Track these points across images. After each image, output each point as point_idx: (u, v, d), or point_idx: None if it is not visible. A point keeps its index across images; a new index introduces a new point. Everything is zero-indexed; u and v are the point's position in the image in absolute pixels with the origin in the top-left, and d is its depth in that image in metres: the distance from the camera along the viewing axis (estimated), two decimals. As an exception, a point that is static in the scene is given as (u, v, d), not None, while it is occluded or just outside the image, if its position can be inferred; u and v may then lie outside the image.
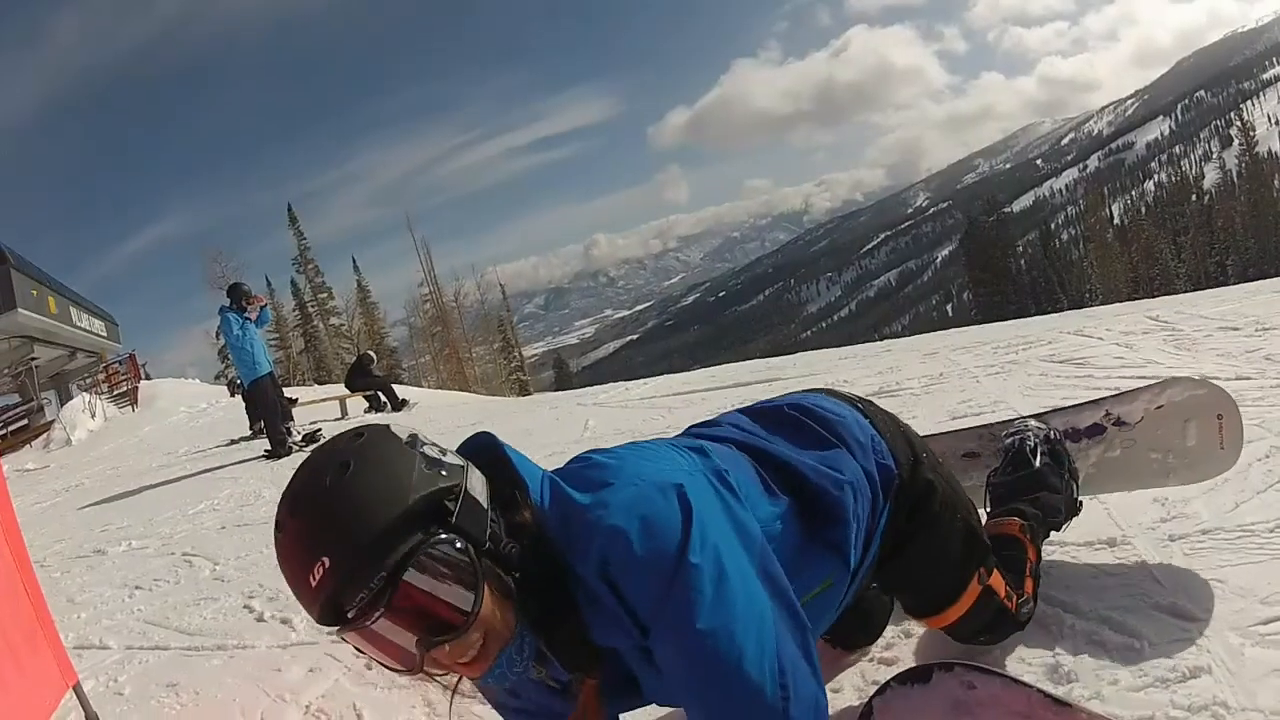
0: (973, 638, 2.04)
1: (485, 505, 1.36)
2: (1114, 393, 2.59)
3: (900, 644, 2.30)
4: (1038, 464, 2.33)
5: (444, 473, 1.33)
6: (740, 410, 1.97)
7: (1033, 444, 2.37)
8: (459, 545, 1.29)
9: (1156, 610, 2.10)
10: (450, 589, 1.28)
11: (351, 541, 1.24)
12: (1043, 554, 2.19)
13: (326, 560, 1.24)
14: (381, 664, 1.35)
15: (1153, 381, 2.48)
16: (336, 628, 1.30)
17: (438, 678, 1.42)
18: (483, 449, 1.50)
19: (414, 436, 1.37)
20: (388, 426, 1.39)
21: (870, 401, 2.03)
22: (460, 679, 1.48)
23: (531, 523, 1.41)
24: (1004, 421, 2.62)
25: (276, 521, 1.31)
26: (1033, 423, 2.47)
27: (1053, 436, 2.42)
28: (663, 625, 1.36)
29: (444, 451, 1.38)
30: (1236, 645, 1.91)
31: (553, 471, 1.54)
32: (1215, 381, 2.41)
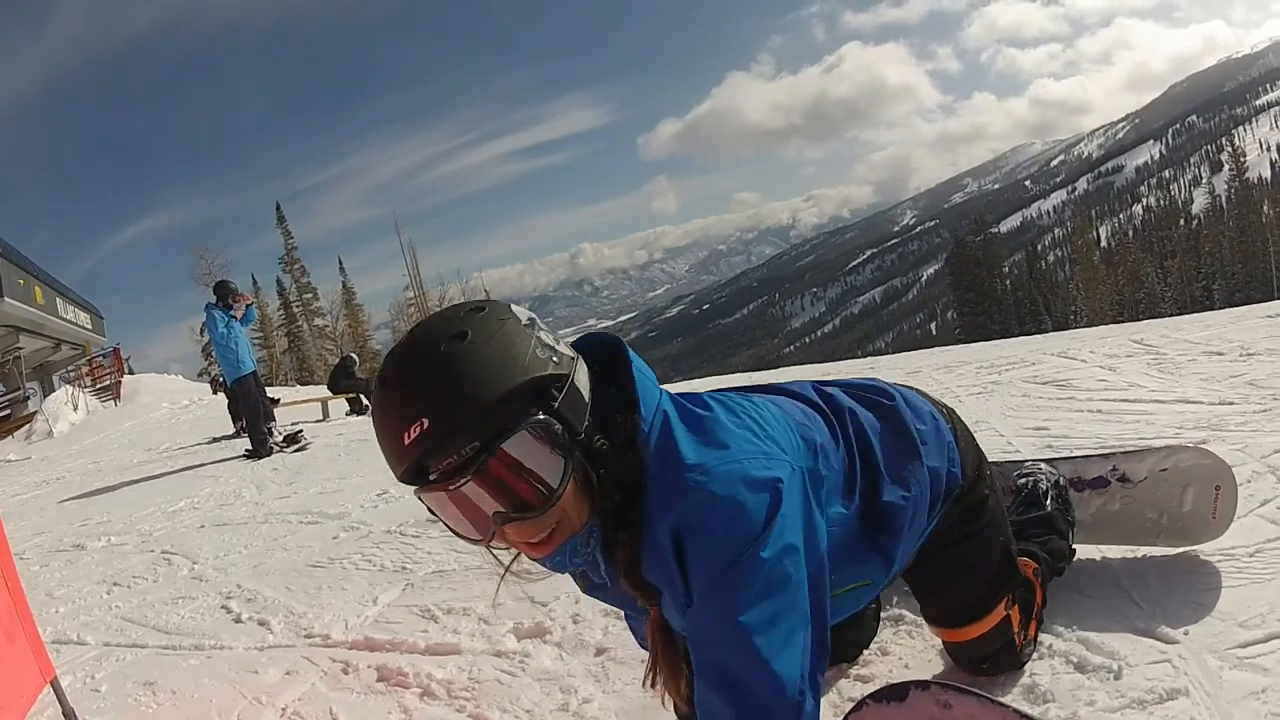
0: (975, 663, 2.05)
1: (586, 400, 1.40)
2: (1124, 450, 2.62)
3: (876, 661, 2.29)
4: (1049, 507, 2.35)
5: (555, 360, 1.37)
6: (860, 383, 1.98)
7: (1044, 487, 2.38)
8: (556, 429, 1.33)
9: (1135, 633, 2.10)
10: (537, 470, 1.32)
11: (453, 408, 1.28)
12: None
13: (425, 421, 1.27)
14: (451, 528, 1.41)
15: (1161, 445, 2.54)
16: (415, 486, 1.35)
17: (497, 551, 1.52)
18: (604, 349, 1.54)
19: (532, 319, 1.41)
20: (509, 305, 1.43)
21: (953, 410, 2.06)
22: (518, 556, 1.58)
23: (629, 436, 1.45)
24: (1014, 462, 2.64)
25: (381, 377, 1.35)
26: (1044, 466, 2.49)
27: (1061, 483, 2.43)
28: (710, 601, 1.40)
29: (558, 340, 1.42)
30: (1215, 668, 1.91)
31: (674, 397, 1.56)
32: (1220, 455, 2.42)
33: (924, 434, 1.86)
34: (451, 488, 1.31)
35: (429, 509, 1.39)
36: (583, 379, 1.41)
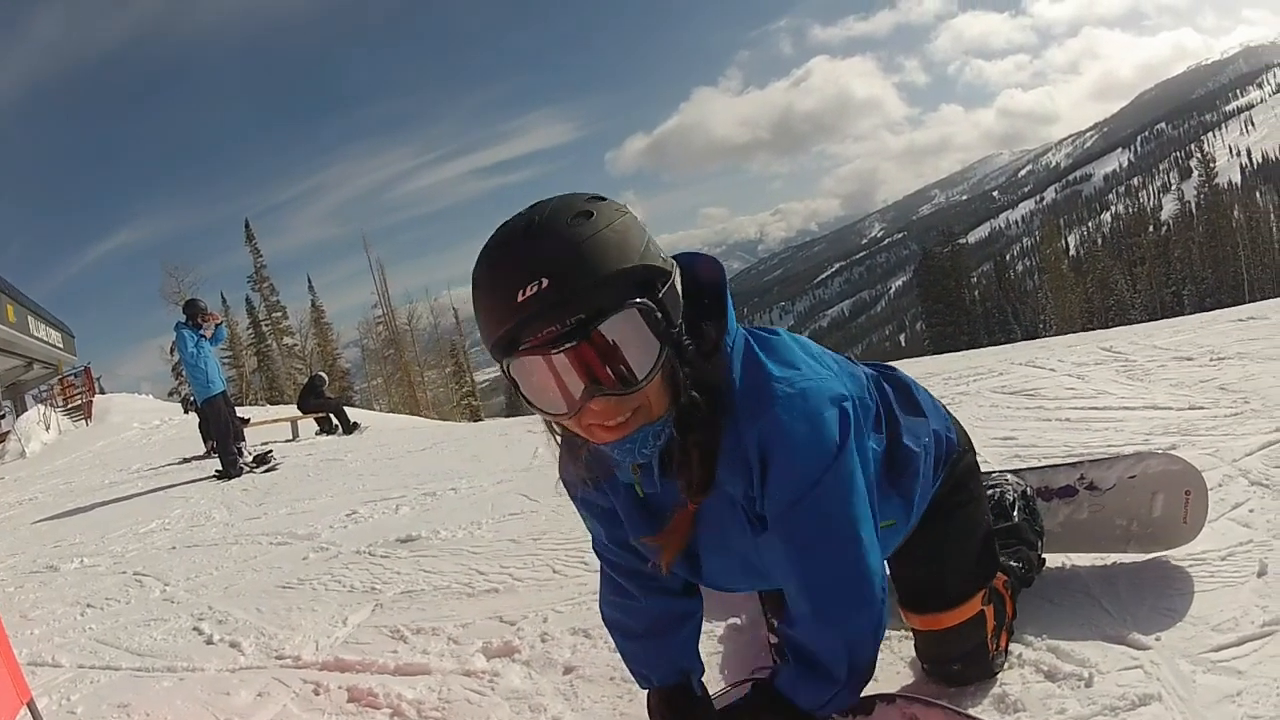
0: (946, 661, 2.04)
1: (681, 302, 1.47)
2: (1092, 458, 2.62)
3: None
4: (1017, 518, 2.34)
5: (662, 258, 1.46)
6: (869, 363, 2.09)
7: (1011, 498, 2.37)
8: (656, 316, 1.39)
9: (1105, 640, 2.09)
10: (634, 350, 1.38)
11: (573, 276, 1.34)
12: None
13: (545, 281, 1.33)
14: (531, 400, 1.45)
15: (1131, 451, 2.56)
16: (506, 357, 1.41)
17: (567, 429, 1.57)
18: (698, 268, 1.60)
19: (643, 223, 1.48)
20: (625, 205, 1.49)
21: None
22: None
23: (713, 344, 1.54)
24: (982, 473, 2.64)
25: (498, 241, 1.41)
26: (1011, 477, 2.47)
27: (1028, 493, 2.43)
28: (795, 514, 1.56)
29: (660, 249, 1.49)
30: (1187, 672, 1.90)
31: (744, 328, 1.65)
32: (1189, 459, 2.43)
33: (925, 401, 2.00)
34: (555, 352, 1.36)
35: (512, 380, 1.44)
36: (678, 284, 1.48)
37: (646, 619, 1.93)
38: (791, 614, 1.68)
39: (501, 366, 1.44)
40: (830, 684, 1.65)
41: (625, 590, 1.94)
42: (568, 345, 1.35)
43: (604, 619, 2.05)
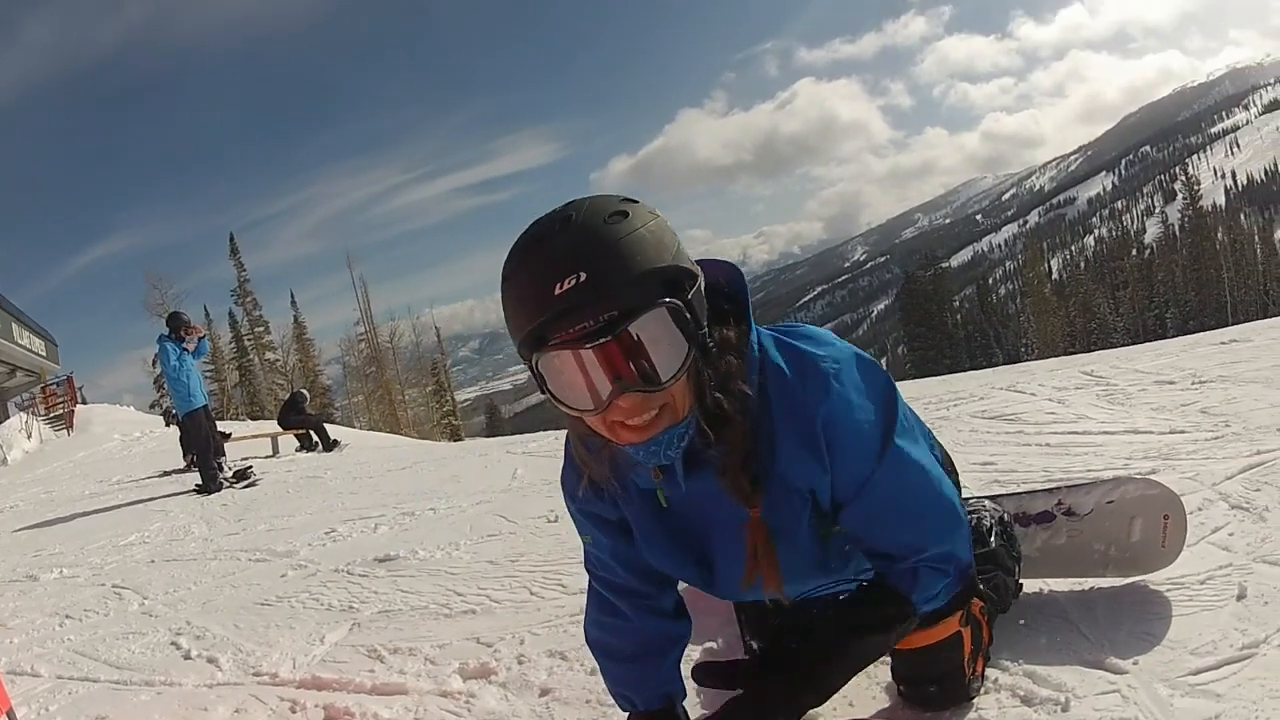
0: (922, 683, 2.01)
1: (706, 304, 1.51)
2: (1070, 483, 2.63)
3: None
4: (993, 544, 2.33)
5: (691, 261, 1.50)
6: None
7: (988, 524, 2.37)
8: (685, 317, 1.42)
9: (1083, 664, 2.08)
10: (664, 349, 1.41)
11: (611, 272, 1.36)
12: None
13: (583, 275, 1.35)
14: (558, 397, 1.47)
15: (1109, 476, 2.60)
16: (535, 352, 1.43)
17: (589, 429, 1.56)
18: (718, 274, 1.63)
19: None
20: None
21: None
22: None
23: (736, 346, 1.56)
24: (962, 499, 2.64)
25: (534, 235, 1.44)
26: (988, 503, 2.46)
27: (1005, 518, 2.43)
28: (882, 472, 1.63)
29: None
30: (1165, 696, 1.90)
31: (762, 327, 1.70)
32: (1168, 484, 2.44)
33: (915, 422, 1.98)
34: (588, 347, 1.38)
35: (538, 376, 1.46)
36: (703, 286, 1.51)
37: (636, 641, 1.93)
38: (889, 558, 1.74)
39: (529, 362, 1.45)
40: (941, 575, 1.74)
41: (616, 610, 1.94)
42: (601, 340, 1.37)
43: (588, 640, 2.05)
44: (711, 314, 1.53)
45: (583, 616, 2.07)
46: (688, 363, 1.43)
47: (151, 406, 39.60)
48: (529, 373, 1.47)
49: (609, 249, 1.37)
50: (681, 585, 2.00)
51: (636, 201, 1.47)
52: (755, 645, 2.24)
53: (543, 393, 1.48)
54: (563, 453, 1.86)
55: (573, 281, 1.34)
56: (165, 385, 12.69)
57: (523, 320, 1.41)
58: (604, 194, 1.48)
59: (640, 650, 1.94)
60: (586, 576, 2.02)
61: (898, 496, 1.66)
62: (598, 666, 2.06)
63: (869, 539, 1.74)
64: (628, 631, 1.94)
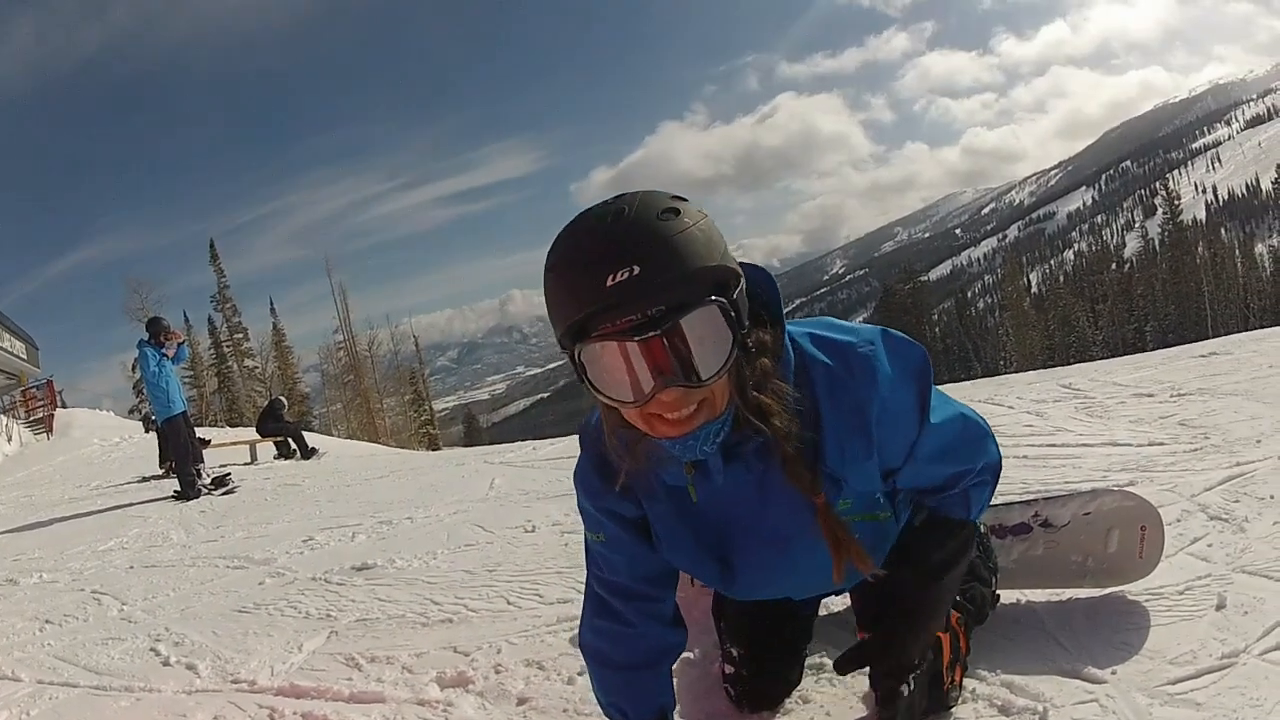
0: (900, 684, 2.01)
1: (747, 303, 1.52)
2: (1047, 495, 2.64)
3: (797, 710, 2.25)
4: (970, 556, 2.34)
5: (737, 262, 1.52)
6: None
7: None
8: (731, 315, 1.43)
9: (1061, 674, 2.10)
10: (710, 345, 1.42)
11: (663, 267, 1.38)
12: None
13: (637, 268, 1.36)
14: (598, 388, 1.47)
15: (1087, 488, 2.57)
16: (578, 342, 1.44)
17: (623, 421, 1.56)
18: (752, 275, 1.63)
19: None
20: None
21: None
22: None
23: (772, 348, 1.59)
24: None
25: (585, 227, 1.45)
26: None
27: (981, 530, 2.43)
28: (933, 433, 1.72)
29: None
30: (1144, 705, 1.91)
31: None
32: (1144, 496, 2.46)
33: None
34: (635, 340, 1.39)
35: (578, 366, 1.46)
36: (745, 288, 1.52)
37: (633, 649, 1.93)
38: (940, 490, 1.84)
39: (570, 351, 1.46)
40: (985, 486, 1.86)
41: (615, 614, 1.93)
42: (649, 334, 1.38)
43: (583, 646, 2.03)
44: (750, 315, 1.54)
45: (559, 627, 2.06)
46: (730, 360, 1.44)
47: (131, 412, 39.38)
48: (568, 360, 1.48)
49: (663, 244, 1.38)
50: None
51: (685, 199, 1.48)
52: (735, 653, 2.23)
53: (580, 381, 1.49)
54: (563, 454, 1.86)
55: (625, 274, 1.36)
56: (145, 390, 12.62)
57: (571, 309, 1.42)
58: (654, 190, 1.49)
59: (638, 659, 1.93)
60: (563, 587, 2.02)
61: (940, 444, 1.74)
62: (589, 674, 2.04)
63: (921, 484, 1.82)
64: (626, 638, 1.92)
